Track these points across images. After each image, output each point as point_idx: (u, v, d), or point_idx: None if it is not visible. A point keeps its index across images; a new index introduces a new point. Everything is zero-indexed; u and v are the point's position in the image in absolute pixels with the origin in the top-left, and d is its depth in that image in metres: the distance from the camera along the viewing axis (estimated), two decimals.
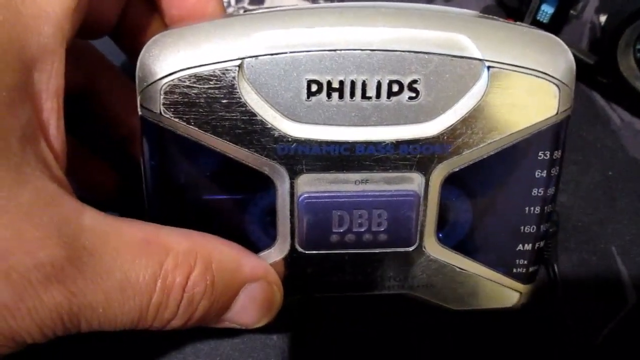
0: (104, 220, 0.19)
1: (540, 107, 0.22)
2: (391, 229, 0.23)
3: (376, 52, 0.20)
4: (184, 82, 0.20)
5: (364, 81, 0.20)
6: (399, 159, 0.22)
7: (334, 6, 0.21)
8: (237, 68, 0.20)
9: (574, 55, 0.22)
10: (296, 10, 0.21)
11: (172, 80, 0.20)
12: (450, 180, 0.22)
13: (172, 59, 0.20)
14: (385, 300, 0.25)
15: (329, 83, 0.20)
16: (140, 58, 0.20)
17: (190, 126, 0.21)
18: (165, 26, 0.26)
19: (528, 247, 0.24)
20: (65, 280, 0.18)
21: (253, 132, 0.21)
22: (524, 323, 0.27)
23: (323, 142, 0.21)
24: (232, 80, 0.20)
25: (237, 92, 0.20)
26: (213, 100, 0.20)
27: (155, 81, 0.20)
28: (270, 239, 0.23)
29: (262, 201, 0.23)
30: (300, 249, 0.23)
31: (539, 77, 0.21)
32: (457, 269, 0.24)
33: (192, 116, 0.20)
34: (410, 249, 0.23)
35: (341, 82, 0.20)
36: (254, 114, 0.21)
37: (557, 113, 0.22)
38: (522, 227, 0.24)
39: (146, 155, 0.22)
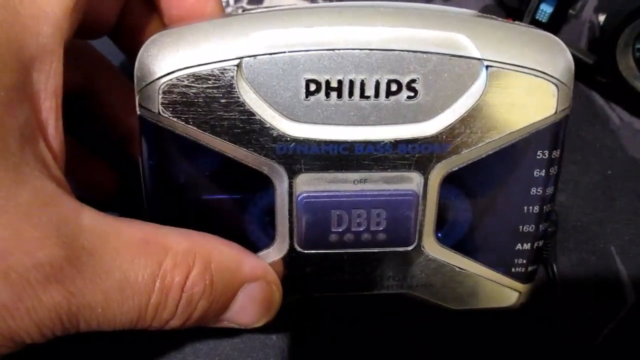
0: (103, 220, 0.19)
1: (539, 106, 0.22)
2: (390, 228, 0.23)
3: (375, 51, 0.20)
4: (183, 81, 0.20)
5: (362, 81, 0.20)
6: (398, 159, 0.22)
7: (333, 6, 0.21)
8: (235, 67, 0.20)
9: (573, 55, 0.22)
10: (295, 10, 0.21)
11: (170, 80, 0.20)
12: (449, 180, 0.22)
13: (171, 59, 0.20)
14: (385, 299, 0.25)
15: (328, 82, 0.20)
16: (138, 57, 0.20)
17: (189, 126, 0.21)
18: (164, 26, 0.26)
19: (527, 246, 0.24)
20: (64, 280, 0.18)
21: (252, 131, 0.21)
22: (523, 323, 0.27)
23: (322, 141, 0.21)
24: (230, 80, 0.20)
25: (236, 91, 0.20)
26: (212, 100, 0.20)
27: (153, 81, 0.20)
28: (269, 239, 0.23)
29: (261, 201, 0.23)
30: (299, 249, 0.23)
31: (537, 76, 0.21)
32: (456, 269, 0.24)
33: (191, 116, 0.20)
34: (409, 248, 0.23)
35: (340, 82, 0.20)
36: (252, 114, 0.21)
37: (555, 112, 0.22)
38: (521, 227, 0.24)
39: (145, 154, 0.22)
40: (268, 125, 0.21)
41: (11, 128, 0.17)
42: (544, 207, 0.24)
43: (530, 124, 0.22)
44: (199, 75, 0.20)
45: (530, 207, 0.23)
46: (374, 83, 0.21)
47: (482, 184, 0.23)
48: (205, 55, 0.20)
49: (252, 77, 0.20)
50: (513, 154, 0.22)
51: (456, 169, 0.22)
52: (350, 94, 0.21)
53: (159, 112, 0.20)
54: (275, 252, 0.23)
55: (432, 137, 0.21)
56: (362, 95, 0.21)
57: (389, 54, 0.20)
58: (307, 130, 0.21)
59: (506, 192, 0.23)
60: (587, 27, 0.39)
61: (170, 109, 0.20)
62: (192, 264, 0.20)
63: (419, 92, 0.21)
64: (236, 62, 0.20)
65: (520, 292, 0.25)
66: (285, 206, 0.22)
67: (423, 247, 0.24)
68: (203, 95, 0.20)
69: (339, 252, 0.23)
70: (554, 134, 0.22)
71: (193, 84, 0.20)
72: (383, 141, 0.21)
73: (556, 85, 0.21)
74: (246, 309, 0.22)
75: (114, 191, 0.29)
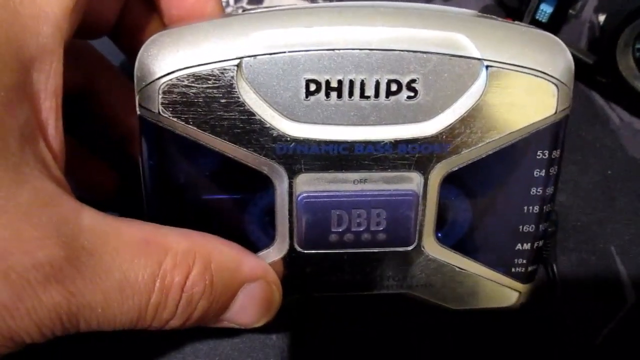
0: (103, 220, 0.19)
1: (539, 106, 0.22)
2: (390, 228, 0.23)
3: (375, 51, 0.20)
4: (183, 81, 0.20)
5: (362, 80, 0.20)
6: (398, 159, 0.22)
7: (333, 6, 0.21)
8: (235, 67, 0.20)
9: (573, 55, 0.22)
10: (295, 10, 0.21)
11: (170, 80, 0.20)
12: (449, 180, 0.22)
13: (171, 59, 0.20)
14: (385, 299, 0.25)
15: (328, 82, 0.20)
16: (138, 57, 0.20)
17: (189, 126, 0.21)
18: (164, 26, 0.26)
19: (527, 246, 0.24)
20: (64, 280, 0.18)
21: (252, 131, 0.21)
22: (523, 323, 0.27)
23: (322, 141, 0.21)
24: (230, 80, 0.20)
25: (236, 91, 0.20)
26: (212, 100, 0.20)
27: (153, 81, 0.20)
28: (269, 239, 0.23)
29: (261, 201, 0.23)
30: (299, 249, 0.23)
31: (537, 76, 0.21)
32: (456, 269, 0.24)
33: (191, 116, 0.20)
34: (409, 248, 0.23)
35: (340, 82, 0.20)
36: (252, 114, 0.21)
37: (555, 112, 0.22)
38: (520, 227, 0.24)
39: (145, 154, 0.22)
40: (268, 125, 0.21)
41: (11, 128, 0.17)
42: (544, 207, 0.24)
43: (530, 124, 0.22)
44: (199, 75, 0.20)
45: (530, 207, 0.23)
46: (374, 83, 0.21)
47: (482, 184, 0.23)
48: (205, 55, 0.20)
49: (252, 77, 0.20)
50: (513, 154, 0.22)
51: (456, 169, 0.22)
52: (350, 94, 0.21)
53: (159, 112, 0.20)
54: (275, 252, 0.23)
55: (432, 137, 0.21)
56: (362, 95, 0.21)
57: (389, 54, 0.20)
58: (307, 130, 0.21)
59: (506, 192, 0.23)
60: (587, 27, 0.39)
61: (170, 109, 0.20)
62: (192, 264, 0.20)
63: (419, 92, 0.21)
64: (236, 62, 0.20)
65: (520, 292, 0.25)
66: (285, 206, 0.22)
67: (423, 247, 0.24)
68: (203, 95, 0.20)
69: (339, 252, 0.23)
70: (554, 134, 0.22)
71: (193, 84, 0.20)
72: (383, 141, 0.21)
73: (556, 85, 0.21)
74: (246, 309, 0.22)
75: (114, 191, 0.29)
